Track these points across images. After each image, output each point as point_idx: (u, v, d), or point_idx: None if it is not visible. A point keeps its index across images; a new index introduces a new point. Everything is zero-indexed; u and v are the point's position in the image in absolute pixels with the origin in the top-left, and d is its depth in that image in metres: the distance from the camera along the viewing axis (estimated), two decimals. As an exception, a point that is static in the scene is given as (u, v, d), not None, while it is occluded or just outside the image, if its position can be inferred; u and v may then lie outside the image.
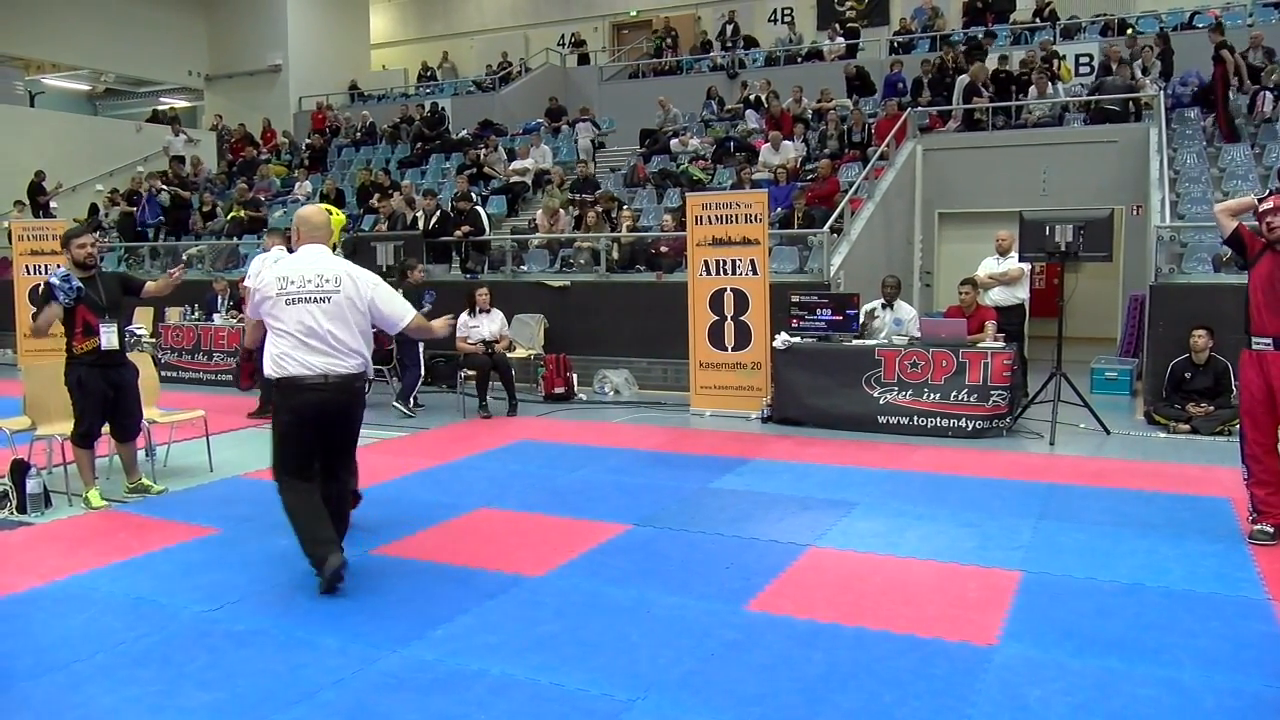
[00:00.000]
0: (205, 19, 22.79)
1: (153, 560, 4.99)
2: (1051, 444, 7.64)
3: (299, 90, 22.18)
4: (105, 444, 7.03)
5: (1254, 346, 5.09)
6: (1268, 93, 12.14)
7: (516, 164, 15.30)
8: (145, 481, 6.45)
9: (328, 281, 4.44)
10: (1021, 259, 8.73)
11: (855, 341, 8.62)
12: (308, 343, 4.38)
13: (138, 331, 12.46)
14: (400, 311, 4.62)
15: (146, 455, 6.82)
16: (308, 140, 19.08)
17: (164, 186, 17.01)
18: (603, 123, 17.27)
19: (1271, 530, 5.02)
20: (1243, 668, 3.57)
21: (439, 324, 5.12)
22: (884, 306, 9.02)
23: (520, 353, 10.42)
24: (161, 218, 16.64)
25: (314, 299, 4.41)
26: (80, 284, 5.82)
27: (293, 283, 4.43)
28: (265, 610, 4.28)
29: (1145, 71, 13.73)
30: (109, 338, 5.98)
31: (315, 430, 4.48)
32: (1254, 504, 5.12)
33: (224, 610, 4.28)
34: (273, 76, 22.30)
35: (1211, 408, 8.08)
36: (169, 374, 11.46)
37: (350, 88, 22.57)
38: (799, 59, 18.77)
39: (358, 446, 4.93)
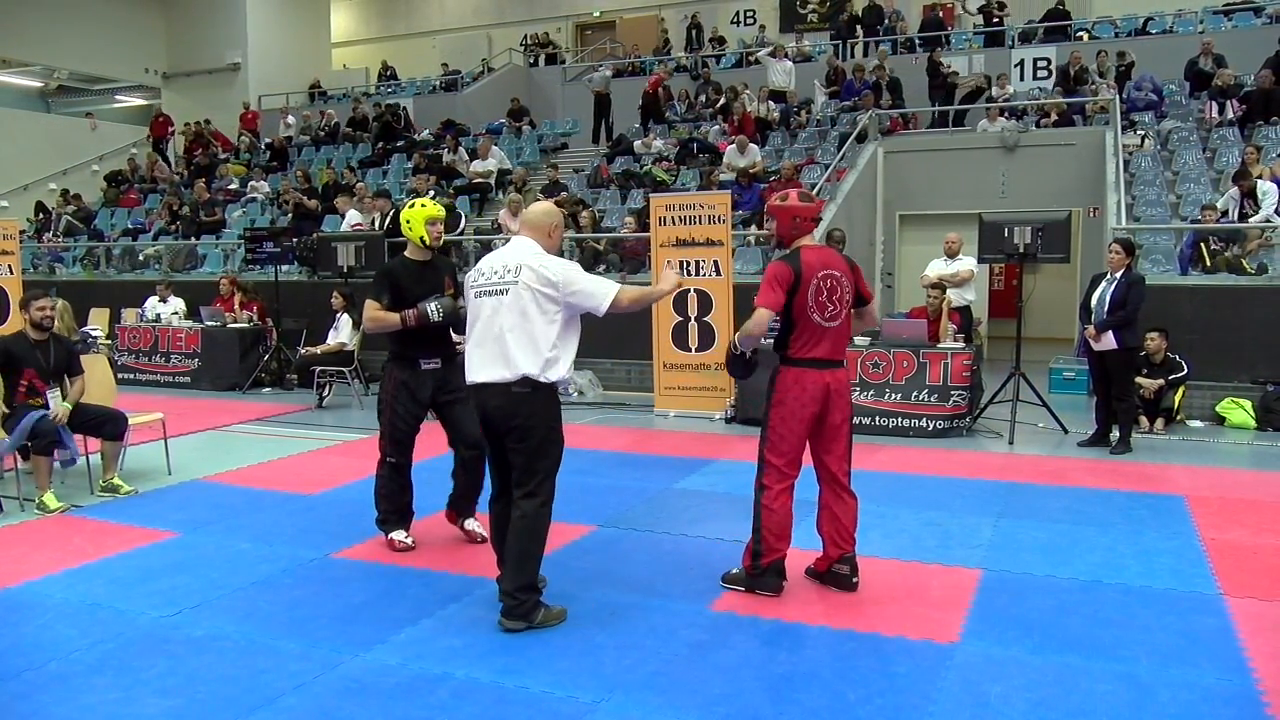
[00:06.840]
0: (163, 15, 22.42)
1: (109, 565, 4.90)
2: (1011, 443, 7.74)
3: (258, 89, 21.86)
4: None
5: None
6: (1213, 101, 12.39)
7: (477, 165, 15.22)
8: (116, 481, 6.36)
9: None
10: (981, 260, 8.83)
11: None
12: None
13: (93, 333, 12.23)
14: None
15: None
16: (268, 140, 18.83)
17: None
18: (566, 123, 17.20)
19: None
20: (1196, 662, 3.64)
21: None
22: None
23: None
24: None
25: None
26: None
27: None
28: (225, 615, 4.21)
29: (1102, 75, 13.98)
30: (53, 403, 6.10)
31: None
32: None
33: (182, 615, 4.21)
34: (232, 75, 21.99)
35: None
36: (126, 375, 11.27)
37: (311, 87, 22.32)
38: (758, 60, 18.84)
39: None
